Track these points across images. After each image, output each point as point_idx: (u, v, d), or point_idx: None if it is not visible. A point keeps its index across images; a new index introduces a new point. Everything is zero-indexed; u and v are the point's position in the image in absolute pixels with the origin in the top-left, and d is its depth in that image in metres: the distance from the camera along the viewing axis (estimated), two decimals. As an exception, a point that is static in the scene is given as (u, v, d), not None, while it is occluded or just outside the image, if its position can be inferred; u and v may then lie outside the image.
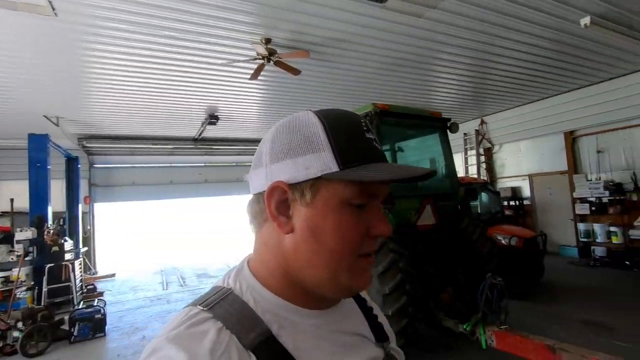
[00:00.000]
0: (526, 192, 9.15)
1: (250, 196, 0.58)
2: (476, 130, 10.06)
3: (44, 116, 6.85)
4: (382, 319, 0.68)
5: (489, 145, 9.96)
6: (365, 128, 0.54)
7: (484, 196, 6.78)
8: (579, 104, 7.64)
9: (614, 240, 6.95)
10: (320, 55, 5.02)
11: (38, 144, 6.95)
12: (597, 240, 7.29)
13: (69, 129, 8.04)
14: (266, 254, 0.56)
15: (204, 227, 13.35)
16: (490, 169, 10.00)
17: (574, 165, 8.01)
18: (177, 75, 5.39)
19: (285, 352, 0.49)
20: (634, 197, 6.96)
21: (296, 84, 6.10)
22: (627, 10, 4.33)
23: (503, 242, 5.42)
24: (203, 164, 12.14)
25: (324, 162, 0.50)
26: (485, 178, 9.70)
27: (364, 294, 0.70)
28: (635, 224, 6.27)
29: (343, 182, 0.50)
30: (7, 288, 5.63)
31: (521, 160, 9.29)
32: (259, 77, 5.19)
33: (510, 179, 9.59)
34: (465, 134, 10.37)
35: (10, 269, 5.87)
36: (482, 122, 9.95)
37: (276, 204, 0.52)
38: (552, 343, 2.56)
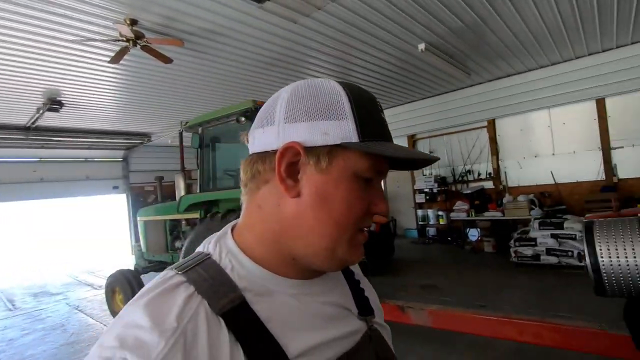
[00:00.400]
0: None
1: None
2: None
3: None
4: (369, 293, 0.68)
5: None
6: (379, 107, 0.56)
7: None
8: (417, 113, 9.39)
9: (441, 221, 8.86)
10: (194, 46, 4.81)
11: None
12: (430, 223, 9.15)
13: None
14: (258, 218, 0.54)
15: (41, 235, 10.94)
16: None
17: (415, 163, 9.81)
18: (8, 47, 4.32)
19: (256, 319, 0.48)
20: (453, 188, 9.02)
21: (167, 73, 5.66)
22: (450, 44, 5.61)
23: (364, 228, 6.29)
24: (38, 159, 9.92)
25: (345, 130, 0.50)
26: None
27: (353, 266, 0.70)
28: (454, 208, 8.13)
29: (359, 154, 0.50)
30: None
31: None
32: (121, 62, 4.63)
33: (368, 175, 11.06)
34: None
35: None
36: (346, 124, 11.17)
37: (287, 165, 0.50)
38: (402, 304, 3.19)
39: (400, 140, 10.05)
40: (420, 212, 9.41)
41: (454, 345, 3.48)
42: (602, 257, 1.92)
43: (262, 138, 0.53)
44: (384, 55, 5.87)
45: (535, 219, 6.14)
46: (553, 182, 7.57)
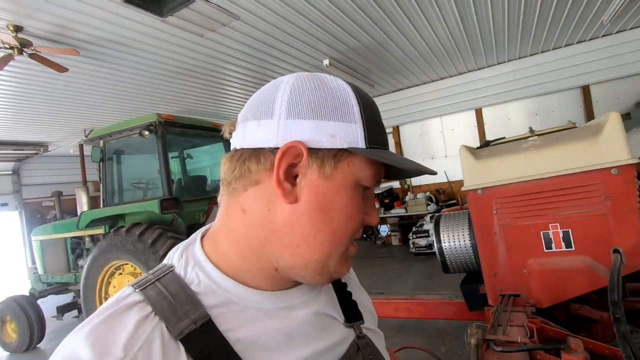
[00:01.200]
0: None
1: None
2: (262, 137, 11.40)
3: None
4: (359, 296, 0.64)
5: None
6: (380, 113, 0.53)
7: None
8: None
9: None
10: (93, 54, 4.61)
11: None
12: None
13: None
14: (240, 223, 0.48)
15: None
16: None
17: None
18: None
19: (223, 342, 0.42)
20: (367, 189, 9.83)
21: (64, 81, 5.28)
22: (352, 60, 6.21)
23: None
24: None
25: (353, 134, 0.46)
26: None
27: None
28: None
29: (365, 161, 0.48)
30: None
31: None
32: (10, 68, 4.26)
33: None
34: (253, 140, 11.55)
35: None
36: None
37: (287, 166, 0.45)
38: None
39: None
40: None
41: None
42: (444, 243, 2.43)
43: (256, 132, 0.47)
44: (294, 68, 6.25)
45: (429, 213, 7.07)
46: (446, 180, 8.74)
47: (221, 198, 0.52)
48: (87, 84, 5.57)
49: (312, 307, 0.53)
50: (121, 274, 3.48)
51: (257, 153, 0.47)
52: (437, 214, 2.64)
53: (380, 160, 0.47)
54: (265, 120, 0.47)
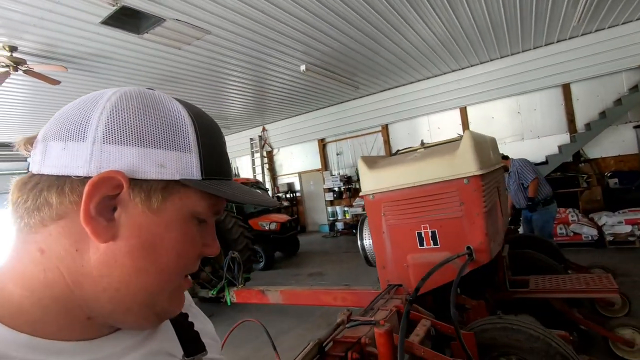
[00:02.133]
0: (297, 186, 11.55)
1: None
2: (259, 136, 11.81)
3: None
4: (202, 324, 0.59)
5: (270, 149, 11.91)
6: (224, 140, 0.49)
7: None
8: (324, 119, 10.33)
9: (347, 216, 9.91)
10: (81, 67, 5.09)
11: None
12: (339, 218, 10.17)
13: None
14: (36, 267, 0.38)
15: None
16: (272, 168, 11.99)
17: (325, 164, 10.78)
18: None
19: None
20: (357, 186, 10.12)
21: (57, 93, 5.81)
22: (330, 64, 6.51)
23: (266, 227, 7.01)
24: None
25: (186, 165, 0.41)
26: (261, 177, 11.60)
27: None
28: (353, 204, 9.21)
29: (200, 193, 0.43)
30: None
31: (293, 161, 11.62)
32: (5, 83, 4.78)
33: (286, 176, 11.81)
34: (251, 139, 11.98)
35: None
36: (264, 129, 11.79)
37: (99, 200, 0.38)
38: (263, 288, 3.93)
39: (311, 145, 10.96)
40: (330, 209, 10.40)
41: (302, 317, 4.33)
42: (365, 240, 2.77)
43: (61, 156, 0.38)
44: (272, 73, 6.60)
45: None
46: (433, 178, 8.97)
47: (11, 234, 0.40)
48: (77, 94, 6.08)
49: (144, 348, 0.46)
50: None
51: (60, 182, 0.38)
52: (363, 214, 2.98)
53: (217, 194, 0.43)
54: (74, 143, 0.38)
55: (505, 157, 4.39)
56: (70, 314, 0.40)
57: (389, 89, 9.12)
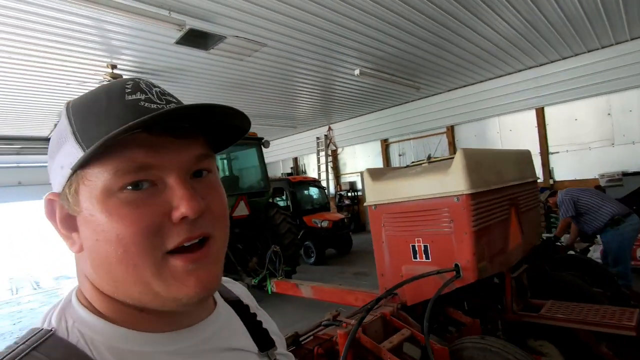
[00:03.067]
0: (359, 185, 11.70)
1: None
2: (325, 135, 12.23)
3: None
4: (268, 324, 0.62)
5: (334, 147, 12.25)
6: (129, 90, 0.42)
7: (313, 190, 8.75)
8: (388, 119, 10.28)
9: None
10: (164, 78, 6.01)
11: None
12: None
13: None
14: (92, 275, 0.44)
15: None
16: (336, 167, 12.33)
17: (387, 164, 10.72)
18: (35, 84, 5.68)
19: None
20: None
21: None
22: (386, 67, 6.53)
23: (318, 224, 7.36)
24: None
25: (69, 153, 0.40)
26: (325, 175, 11.97)
27: (248, 297, 0.64)
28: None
29: (98, 166, 0.39)
30: None
31: (356, 160, 11.79)
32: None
33: (349, 175, 12.05)
34: (317, 137, 12.47)
35: None
36: (329, 129, 12.17)
37: (60, 219, 0.42)
38: (297, 282, 4.27)
39: (374, 144, 10.99)
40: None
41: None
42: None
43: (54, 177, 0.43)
44: (325, 77, 6.86)
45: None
46: (501, 184, 8.33)
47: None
48: None
49: (222, 342, 0.50)
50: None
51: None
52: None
53: (86, 156, 0.38)
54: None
55: (553, 194, 4.09)
56: (127, 307, 0.43)
57: (455, 88, 8.69)
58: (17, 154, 9.99)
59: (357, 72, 6.37)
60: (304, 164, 13.40)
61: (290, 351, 1.87)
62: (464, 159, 1.99)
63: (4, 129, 8.34)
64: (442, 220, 2.09)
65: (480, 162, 2.12)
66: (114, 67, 5.29)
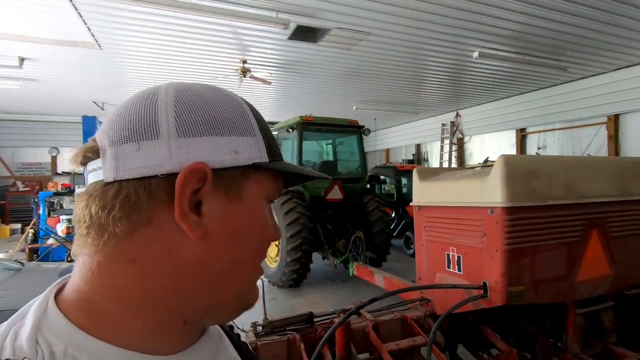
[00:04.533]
0: (485, 179, 10.50)
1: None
2: (451, 122, 11.33)
3: (93, 101, 9.09)
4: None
5: (460, 135, 11.25)
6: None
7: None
8: (528, 105, 8.81)
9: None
10: (287, 69, 6.73)
11: (89, 123, 9.33)
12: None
13: (110, 111, 10.34)
14: (131, 278, 0.36)
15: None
16: (460, 156, 11.33)
17: (521, 158, 9.27)
18: (192, 78, 7.31)
19: None
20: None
21: (272, 90, 7.93)
22: (519, 46, 5.65)
23: (421, 216, 7.10)
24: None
25: (256, 148, 0.41)
26: (447, 165, 11.12)
27: None
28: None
29: (270, 175, 0.43)
30: (70, 225, 8.13)
31: (484, 150, 10.57)
32: (243, 84, 7.03)
33: (476, 167, 10.93)
34: (442, 124, 11.66)
35: (71, 214, 8.42)
36: (457, 115, 11.20)
37: (189, 195, 0.36)
38: (374, 270, 4.39)
39: (507, 134, 9.61)
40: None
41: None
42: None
43: (137, 158, 0.36)
44: (443, 61, 6.35)
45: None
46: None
47: (86, 250, 0.37)
48: (283, 91, 8.03)
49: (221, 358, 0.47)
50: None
51: (145, 183, 0.36)
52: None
53: (291, 170, 0.45)
54: (149, 142, 0.36)
55: None
56: (171, 320, 0.39)
57: (619, 68, 6.75)
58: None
59: (476, 54, 5.72)
60: (427, 152, 12.79)
61: (300, 328, 2.11)
62: (504, 167, 1.75)
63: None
64: (476, 232, 1.90)
65: (534, 171, 1.81)
66: (244, 61, 6.25)
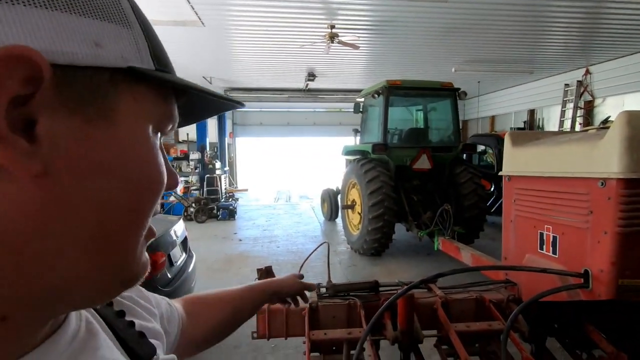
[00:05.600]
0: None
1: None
2: (579, 81, 9.39)
3: (202, 77, 10.12)
4: (143, 318, 0.45)
5: (590, 97, 9.28)
6: None
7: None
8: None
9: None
10: (379, 31, 6.37)
11: (199, 96, 10.62)
12: None
13: (219, 84, 11.37)
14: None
15: (309, 161, 16.30)
16: (588, 123, 9.40)
17: (678, 124, 7.24)
18: (284, 47, 7.51)
19: None
20: None
21: (360, 55, 7.59)
22: None
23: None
24: (312, 110, 14.68)
25: (133, 44, 0.27)
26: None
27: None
28: None
29: (157, 93, 0.29)
30: (186, 186, 9.51)
31: (623, 116, 8.56)
32: (331, 50, 6.93)
33: (607, 136, 8.97)
34: (566, 84, 9.77)
35: (187, 176, 9.79)
36: (587, 72, 9.22)
37: (8, 102, 0.21)
38: (461, 246, 4.07)
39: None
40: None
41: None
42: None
43: None
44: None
45: None
46: None
47: None
48: (378, 56, 7.59)
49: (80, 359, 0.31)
50: (353, 186, 5.43)
51: None
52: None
53: (188, 86, 0.30)
54: None
55: None
56: None
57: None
58: (286, 101, 13.48)
59: (616, -10, 4.49)
60: (542, 118, 10.98)
61: (364, 295, 2.07)
62: (625, 127, 1.36)
63: (266, 82, 11.24)
64: (579, 209, 1.55)
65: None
66: (332, 27, 6.10)
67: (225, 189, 10.69)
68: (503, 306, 1.93)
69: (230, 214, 8.18)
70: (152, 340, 0.43)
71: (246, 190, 13.47)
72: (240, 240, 6.36)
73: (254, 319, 1.71)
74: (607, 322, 1.79)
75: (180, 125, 0.36)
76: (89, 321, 0.35)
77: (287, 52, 7.70)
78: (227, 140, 13.26)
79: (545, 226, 1.76)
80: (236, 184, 14.01)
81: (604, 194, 1.43)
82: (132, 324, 0.42)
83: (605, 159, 1.42)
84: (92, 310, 0.37)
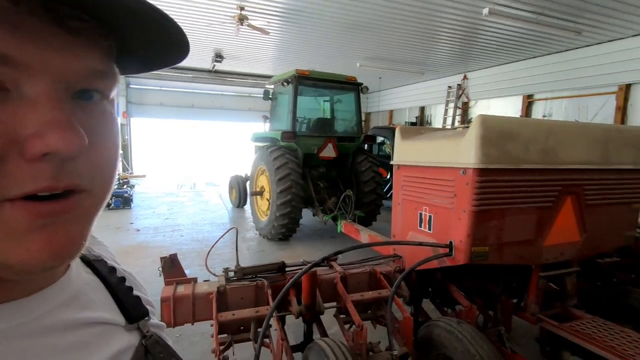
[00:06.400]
0: (486, 145, 10.36)
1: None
2: (458, 84, 10.96)
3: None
4: (138, 289, 0.50)
5: (466, 100, 10.93)
6: None
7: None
8: (537, 71, 8.45)
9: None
10: (289, 19, 6.40)
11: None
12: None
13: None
14: None
15: (216, 147, 15.64)
16: (464, 121, 11.09)
17: (525, 126, 9.07)
18: (189, 23, 6.96)
19: None
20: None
21: (270, 41, 7.56)
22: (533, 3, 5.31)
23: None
24: (220, 92, 14.02)
25: None
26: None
27: (113, 258, 0.50)
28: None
29: None
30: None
31: (488, 116, 10.32)
32: (240, 33, 6.72)
33: (477, 133, 10.73)
34: (449, 87, 11.29)
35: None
36: (465, 78, 10.80)
37: None
38: (360, 228, 4.47)
39: (514, 100, 9.34)
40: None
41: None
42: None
43: None
44: (454, 18, 6.00)
45: None
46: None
47: None
48: (288, 44, 7.65)
49: (75, 314, 0.36)
50: (262, 173, 5.49)
51: None
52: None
53: None
54: None
55: None
56: None
57: (635, 35, 6.37)
58: (191, 81, 12.59)
59: (485, 11, 5.38)
60: (430, 115, 12.52)
61: (270, 275, 2.20)
62: (480, 127, 1.71)
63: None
64: (447, 193, 1.90)
65: (512, 133, 1.77)
66: (242, 8, 5.92)
67: (119, 174, 9.60)
68: (391, 277, 2.24)
69: (124, 202, 7.41)
70: (147, 306, 0.49)
71: (144, 176, 12.28)
72: (138, 230, 5.85)
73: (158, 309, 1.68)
74: (467, 284, 2.24)
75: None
76: (92, 278, 0.43)
77: (193, 29, 7.20)
78: (120, 120, 11.82)
79: (424, 207, 2.10)
80: (131, 169, 12.67)
81: (464, 181, 1.78)
82: (130, 289, 0.47)
83: (465, 153, 1.77)
84: (92, 272, 0.44)
